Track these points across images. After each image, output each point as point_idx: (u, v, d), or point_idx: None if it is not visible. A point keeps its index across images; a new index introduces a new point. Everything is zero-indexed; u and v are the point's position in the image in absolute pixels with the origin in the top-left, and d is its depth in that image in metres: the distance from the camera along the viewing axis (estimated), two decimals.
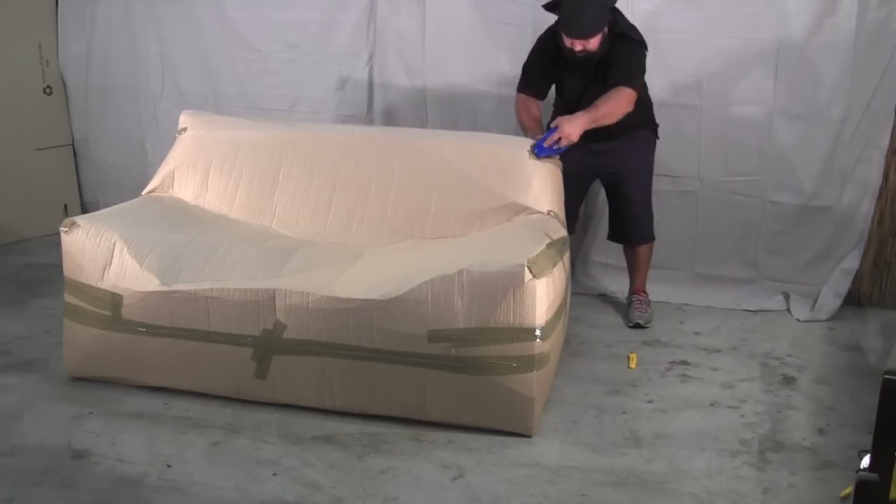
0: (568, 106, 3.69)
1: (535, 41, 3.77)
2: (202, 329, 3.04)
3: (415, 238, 3.38)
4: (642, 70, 3.62)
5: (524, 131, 3.71)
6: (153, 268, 3.08)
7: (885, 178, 3.94)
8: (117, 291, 3.09)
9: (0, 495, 2.59)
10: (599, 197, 4.19)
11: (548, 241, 3.02)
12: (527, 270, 2.77)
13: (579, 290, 4.11)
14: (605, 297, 4.25)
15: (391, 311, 2.86)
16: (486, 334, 2.83)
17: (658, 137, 3.88)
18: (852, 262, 4.02)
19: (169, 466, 2.77)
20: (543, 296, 2.85)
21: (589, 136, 3.49)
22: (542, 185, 3.37)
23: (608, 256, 4.30)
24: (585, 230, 4.27)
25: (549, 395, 3.15)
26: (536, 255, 2.85)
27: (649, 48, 3.63)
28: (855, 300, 4.13)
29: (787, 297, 4.13)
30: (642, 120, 3.73)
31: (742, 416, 3.12)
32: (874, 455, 2.03)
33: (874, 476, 2.02)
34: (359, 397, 3.02)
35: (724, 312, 4.08)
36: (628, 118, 3.55)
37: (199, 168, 3.63)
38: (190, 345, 3.07)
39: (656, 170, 4.02)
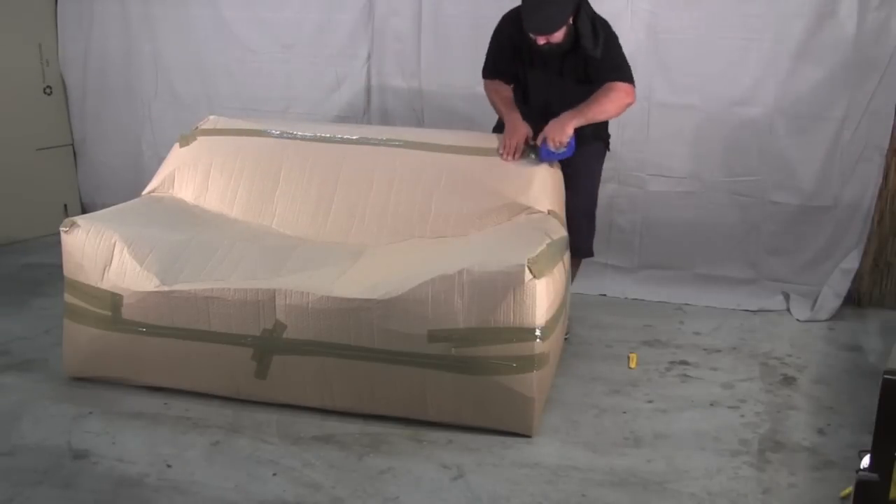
0: (533, 102, 3.48)
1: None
2: (202, 329, 3.04)
3: (415, 238, 3.38)
4: (627, 62, 3.34)
5: (500, 115, 3.52)
6: (153, 268, 3.07)
7: (885, 177, 3.95)
8: (117, 291, 3.09)
9: (0, 495, 2.59)
10: (599, 200, 4.19)
11: (548, 240, 3.02)
12: (527, 270, 2.77)
13: (579, 290, 4.11)
14: (605, 297, 4.25)
15: (391, 311, 2.86)
16: (486, 334, 2.83)
17: (609, 149, 3.63)
18: (852, 262, 4.02)
19: (169, 466, 2.77)
20: (543, 296, 2.84)
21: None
22: (542, 185, 3.36)
23: (608, 257, 4.30)
24: None
25: (549, 394, 3.15)
26: (537, 255, 2.85)
27: (649, 48, 3.62)
28: (855, 300, 4.13)
29: (787, 297, 4.14)
30: (594, 129, 3.44)
31: (742, 416, 3.12)
32: (874, 455, 2.03)
33: (874, 476, 2.02)
34: (359, 397, 3.02)
35: (724, 312, 4.08)
36: (581, 128, 3.32)
37: (199, 168, 3.63)
38: (190, 345, 3.07)
39: (656, 170, 4.02)
